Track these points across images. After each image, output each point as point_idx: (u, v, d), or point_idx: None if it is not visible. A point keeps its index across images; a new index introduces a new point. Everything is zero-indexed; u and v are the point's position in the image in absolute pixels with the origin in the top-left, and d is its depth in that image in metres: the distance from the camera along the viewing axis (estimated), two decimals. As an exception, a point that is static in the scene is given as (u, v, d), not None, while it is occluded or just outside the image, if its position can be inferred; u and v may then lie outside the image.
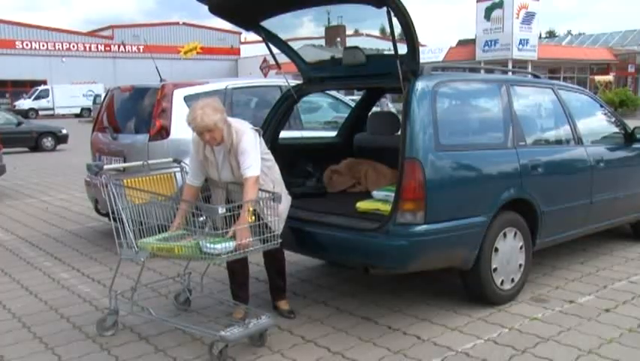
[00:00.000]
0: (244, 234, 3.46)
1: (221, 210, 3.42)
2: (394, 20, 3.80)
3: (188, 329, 3.74)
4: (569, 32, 63.67)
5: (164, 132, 5.81)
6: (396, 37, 3.98)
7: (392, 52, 3.99)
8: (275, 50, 4.86)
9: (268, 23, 4.65)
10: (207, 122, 3.57)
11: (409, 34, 3.83)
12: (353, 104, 6.78)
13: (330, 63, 4.90)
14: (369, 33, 53.63)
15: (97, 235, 6.84)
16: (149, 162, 4.16)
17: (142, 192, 3.74)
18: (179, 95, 5.98)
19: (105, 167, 3.80)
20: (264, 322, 3.58)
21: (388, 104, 19.80)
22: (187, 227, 3.67)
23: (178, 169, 4.20)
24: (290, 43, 4.90)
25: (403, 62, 3.96)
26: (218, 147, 3.76)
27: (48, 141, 19.19)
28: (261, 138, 3.92)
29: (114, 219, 3.63)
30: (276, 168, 4.01)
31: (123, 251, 3.68)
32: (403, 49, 3.97)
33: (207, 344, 3.53)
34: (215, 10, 4.43)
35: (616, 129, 5.79)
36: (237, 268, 4.05)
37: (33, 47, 46.47)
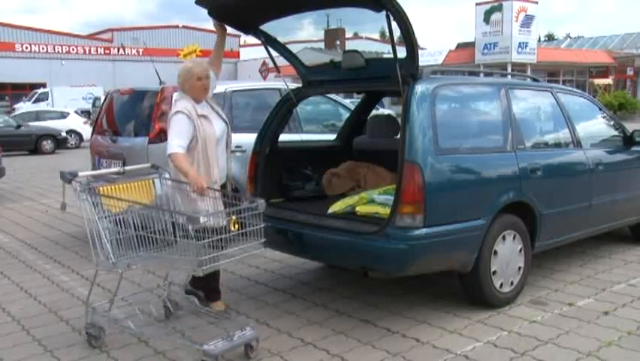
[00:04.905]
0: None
1: (203, 220, 3.35)
2: (394, 24, 3.81)
3: (170, 341, 3.64)
4: (568, 35, 63.69)
5: (163, 135, 5.78)
6: (395, 41, 3.99)
7: (391, 55, 4.00)
8: (274, 54, 4.87)
9: (267, 26, 4.66)
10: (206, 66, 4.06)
11: (409, 37, 3.84)
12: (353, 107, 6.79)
13: (329, 66, 4.90)
14: (368, 36, 53.81)
15: (96, 238, 6.82)
16: (126, 168, 4.06)
17: (119, 201, 3.60)
18: (178, 98, 5.97)
19: (80, 174, 3.59)
20: (248, 334, 3.50)
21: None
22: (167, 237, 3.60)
23: (157, 175, 4.04)
24: (289, 46, 4.90)
25: (402, 66, 3.97)
26: (202, 103, 4.05)
27: (47, 144, 19.22)
28: None
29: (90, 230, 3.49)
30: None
31: (100, 262, 3.56)
32: (402, 52, 3.98)
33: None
34: (215, 14, 4.44)
35: (615, 132, 5.80)
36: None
37: (33, 50, 46.43)
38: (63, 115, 22.42)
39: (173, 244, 3.55)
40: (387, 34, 3.92)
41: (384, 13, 3.77)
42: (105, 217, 3.55)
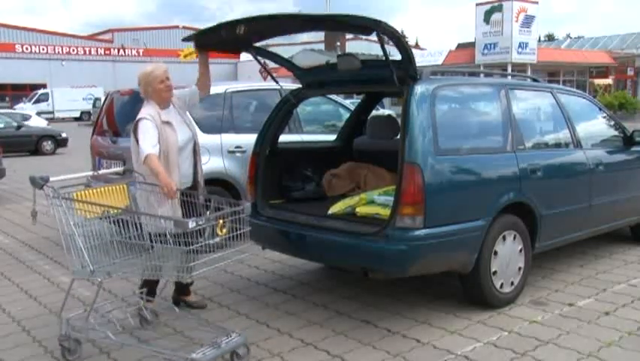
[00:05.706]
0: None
1: (192, 225, 3.28)
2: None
3: (157, 352, 3.54)
4: (568, 35, 63.77)
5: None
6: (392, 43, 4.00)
7: (391, 56, 4.01)
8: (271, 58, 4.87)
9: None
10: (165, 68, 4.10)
11: (403, 48, 3.87)
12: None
13: (327, 68, 4.90)
14: (368, 37, 53.78)
15: (96, 239, 6.82)
16: (100, 172, 3.99)
17: (93, 206, 3.47)
18: (178, 99, 5.97)
19: (52, 179, 3.44)
20: (235, 340, 3.43)
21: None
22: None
23: (131, 179, 3.97)
24: (284, 49, 4.91)
25: (400, 67, 3.98)
26: (167, 109, 4.10)
27: (48, 145, 19.23)
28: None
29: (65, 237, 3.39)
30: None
31: (77, 270, 3.43)
32: (399, 54, 4.00)
33: None
34: (204, 47, 4.43)
35: (615, 132, 5.80)
36: None
37: (33, 51, 46.53)
38: (25, 117, 22.43)
39: (150, 249, 3.46)
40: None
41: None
42: (80, 223, 3.41)
